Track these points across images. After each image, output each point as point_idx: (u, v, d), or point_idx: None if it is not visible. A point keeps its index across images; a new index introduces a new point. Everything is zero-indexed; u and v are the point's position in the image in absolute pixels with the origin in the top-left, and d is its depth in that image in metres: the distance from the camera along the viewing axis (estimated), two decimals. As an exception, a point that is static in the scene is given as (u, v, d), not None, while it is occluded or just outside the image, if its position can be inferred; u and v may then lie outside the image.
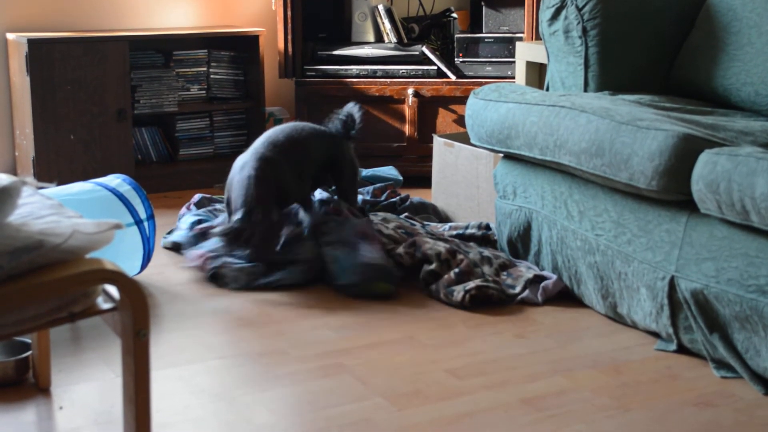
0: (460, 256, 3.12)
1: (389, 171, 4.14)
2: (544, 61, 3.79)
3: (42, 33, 4.25)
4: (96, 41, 4.19)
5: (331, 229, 3.23)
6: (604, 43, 3.27)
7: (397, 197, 3.87)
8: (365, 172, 4.11)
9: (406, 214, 3.68)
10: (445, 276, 3.06)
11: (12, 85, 4.30)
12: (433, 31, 4.86)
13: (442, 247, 3.15)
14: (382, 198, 3.88)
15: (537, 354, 2.64)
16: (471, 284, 2.99)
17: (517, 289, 3.02)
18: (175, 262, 3.39)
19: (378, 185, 3.95)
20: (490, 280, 3.04)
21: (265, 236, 3.14)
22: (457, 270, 3.06)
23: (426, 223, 3.62)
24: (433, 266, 3.10)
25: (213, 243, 3.21)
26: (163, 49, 4.48)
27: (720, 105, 3.20)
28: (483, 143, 3.26)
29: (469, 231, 3.48)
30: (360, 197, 3.75)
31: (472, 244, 3.36)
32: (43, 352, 2.36)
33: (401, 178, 4.07)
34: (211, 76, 4.60)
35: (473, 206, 3.71)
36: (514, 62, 4.41)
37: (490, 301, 2.98)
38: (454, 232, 3.48)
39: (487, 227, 3.48)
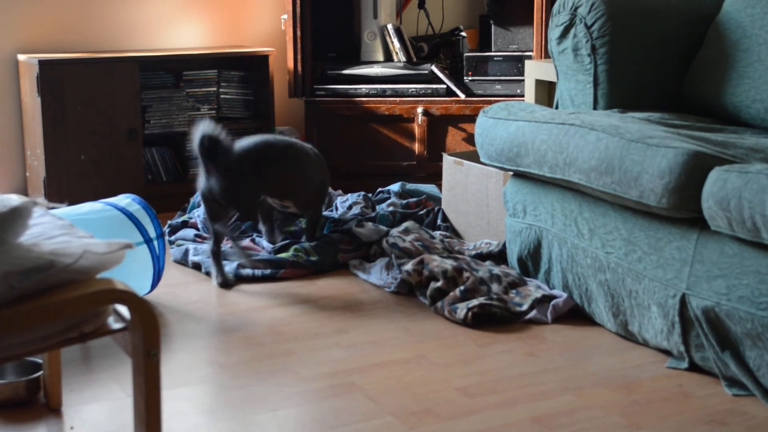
0: (466, 274, 3.12)
1: (431, 189, 4.19)
2: (553, 79, 3.80)
3: (53, 54, 4.28)
4: (106, 62, 4.21)
5: None
6: (613, 61, 3.27)
7: (425, 209, 3.91)
8: (408, 185, 4.18)
9: (441, 232, 3.71)
10: (451, 293, 3.06)
11: (23, 106, 4.32)
12: (442, 49, 4.87)
13: (449, 264, 3.15)
14: (417, 210, 3.95)
15: (548, 372, 2.64)
16: (474, 302, 2.99)
17: (524, 307, 3.01)
18: (186, 281, 3.39)
19: (413, 199, 4.00)
20: (495, 298, 3.04)
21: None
22: (462, 287, 3.06)
23: (448, 238, 3.63)
24: (439, 284, 3.10)
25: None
26: (173, 70, 4.50)
27: (730, 122, 3.20)
28: (493, 161, 3.26)
29: (488, 249, 3.47)
30: (390, 208, 3.92)
31: (487, 262, 3.36)
32: (54, 372, 2.37)
33: (440, 196, 4.07)
34: (221, 96, 4.61)
35: (483, 224, 3.71)
36: (523, 80, 4.42)
37: (494, 319, 2.98)
38: (474, 252, 3.48)
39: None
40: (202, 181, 3.28)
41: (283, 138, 3.53)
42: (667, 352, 2.72)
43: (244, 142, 3.35)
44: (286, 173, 3.43)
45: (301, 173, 3.49)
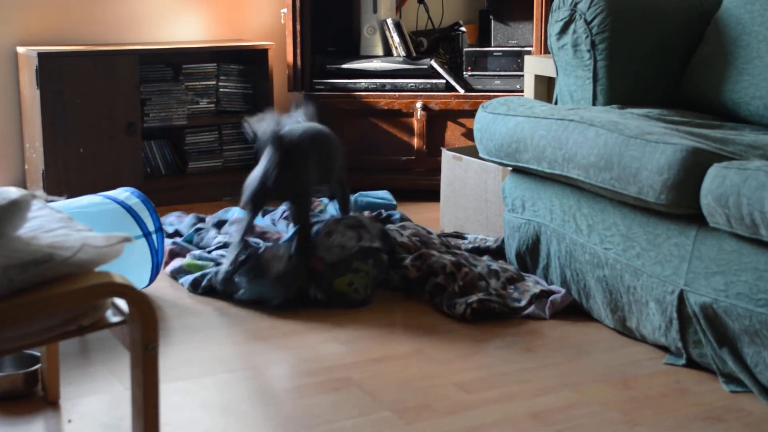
0: (464, 269, 3.12)
1: (383, 195, 4.02)
2: (552, 74, 3.79)
3: (52, 47, 4.27)
4: (106, 55, 4.21)
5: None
6: (612, 57, 3.27)
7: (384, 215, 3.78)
8: (357, 196, 3.96)
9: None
10: (449, 288, 3.06)
11: (22, 99, 4.32)
12: (442, 44, 4.87)
13: (447, 260, 3.15)
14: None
15: (545, 368, 2.64)
16: (473, 297, 2.99)
17: (523, 303, 3.02)
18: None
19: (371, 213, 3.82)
20: (494, 293, 3.04)
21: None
22: (461, 283, 3.06)
23: (445, 234, 3.63)
24: (438, 279, 3.11)
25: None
26: (172, 63, 4.50)
27: (729, 119, 3.20)
28: (492, 157, 3.26)
29: (485, 244, 3.48)
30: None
31: (485, 257, 3.36)
32: (52, 365, 2.37)
33: (395, 202, 3.99)
34: (221, 90, 4.61)
35: (482, 220, 3.71)
36: (522, 76, 4.41)
37: (492, 315, 2.98)
38: (471, 246, 3.48)
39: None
40: (260, 172, 3.12)
41: (316, 125, 3.41)
42: (664, 349, 2.72)
43: (296, 131, 3.23)
44: (327, 159, 3.34)
45: (337, 158, 3.41)
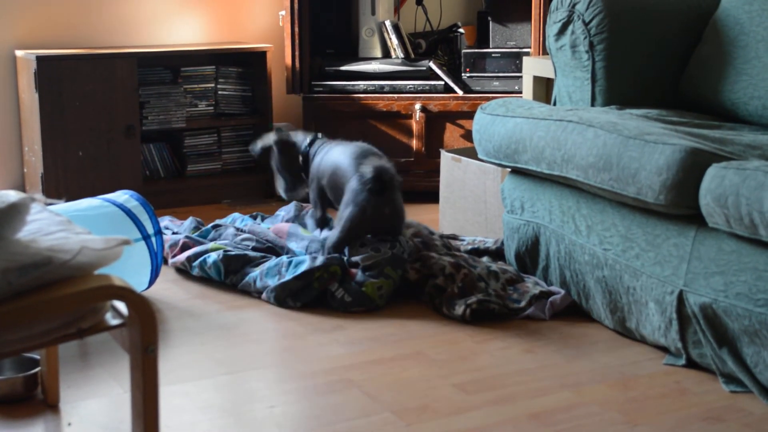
0: (464, 271, 3.11)
1: None
2: (551, 75, 3.79)
3: (51, 50, 4.28)
4: (104, 58, 4.21)
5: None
6: (611, 58, 3.27)
7: None
8: None
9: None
10: (449, 290, 3.06)
11: (21, 102, 4.32)
12: (440, 46, 4.87)
13: (446, 261, 3.15)
14: None
15: (545, 369, 2.64)
16: (472, 299, 2.99)
17: (522, 304, 3.02)
18: (184, 278, 3.39)
19: None
20: (493, 294, 3.04)
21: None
22: (460, 284, 3.06)
23: (443, 234, 3.63)
24: (437, 280, 3.10)
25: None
26: (171, 66, 4.50)
27: (728, 119, 3.20)
28: (490, 158, 3.26)
29: (485, 246, 3.49)
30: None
31: (485, 258, 3.36)
32: (52, 368, 2.37)
33: None
34: (219, 92, 4.61)
35: (481, 221, 3.71)
36: (521, 77, 4.41)
37: (492, 315, 2.98)
38: (470, 247, 3.48)
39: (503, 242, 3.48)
40: (361, 209, 3.22)
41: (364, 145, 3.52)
42: (664, 349, 2.72)
43: (382, 163, 3.32)
44: None
45: None
